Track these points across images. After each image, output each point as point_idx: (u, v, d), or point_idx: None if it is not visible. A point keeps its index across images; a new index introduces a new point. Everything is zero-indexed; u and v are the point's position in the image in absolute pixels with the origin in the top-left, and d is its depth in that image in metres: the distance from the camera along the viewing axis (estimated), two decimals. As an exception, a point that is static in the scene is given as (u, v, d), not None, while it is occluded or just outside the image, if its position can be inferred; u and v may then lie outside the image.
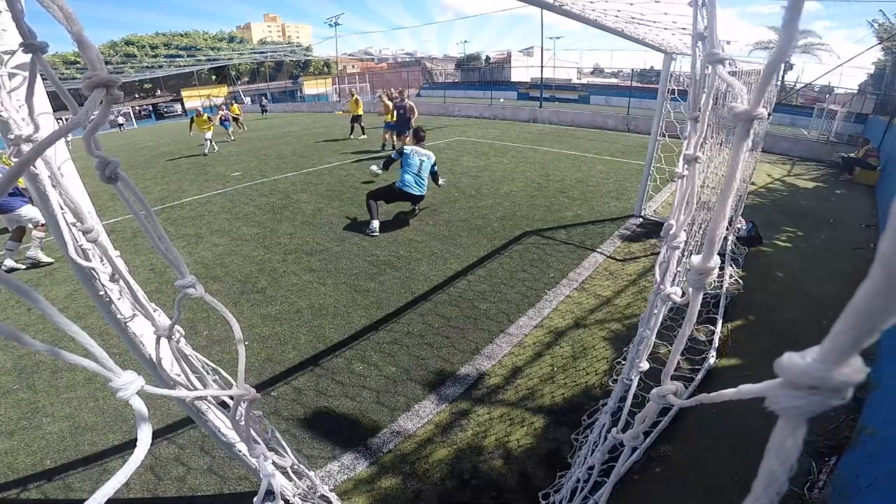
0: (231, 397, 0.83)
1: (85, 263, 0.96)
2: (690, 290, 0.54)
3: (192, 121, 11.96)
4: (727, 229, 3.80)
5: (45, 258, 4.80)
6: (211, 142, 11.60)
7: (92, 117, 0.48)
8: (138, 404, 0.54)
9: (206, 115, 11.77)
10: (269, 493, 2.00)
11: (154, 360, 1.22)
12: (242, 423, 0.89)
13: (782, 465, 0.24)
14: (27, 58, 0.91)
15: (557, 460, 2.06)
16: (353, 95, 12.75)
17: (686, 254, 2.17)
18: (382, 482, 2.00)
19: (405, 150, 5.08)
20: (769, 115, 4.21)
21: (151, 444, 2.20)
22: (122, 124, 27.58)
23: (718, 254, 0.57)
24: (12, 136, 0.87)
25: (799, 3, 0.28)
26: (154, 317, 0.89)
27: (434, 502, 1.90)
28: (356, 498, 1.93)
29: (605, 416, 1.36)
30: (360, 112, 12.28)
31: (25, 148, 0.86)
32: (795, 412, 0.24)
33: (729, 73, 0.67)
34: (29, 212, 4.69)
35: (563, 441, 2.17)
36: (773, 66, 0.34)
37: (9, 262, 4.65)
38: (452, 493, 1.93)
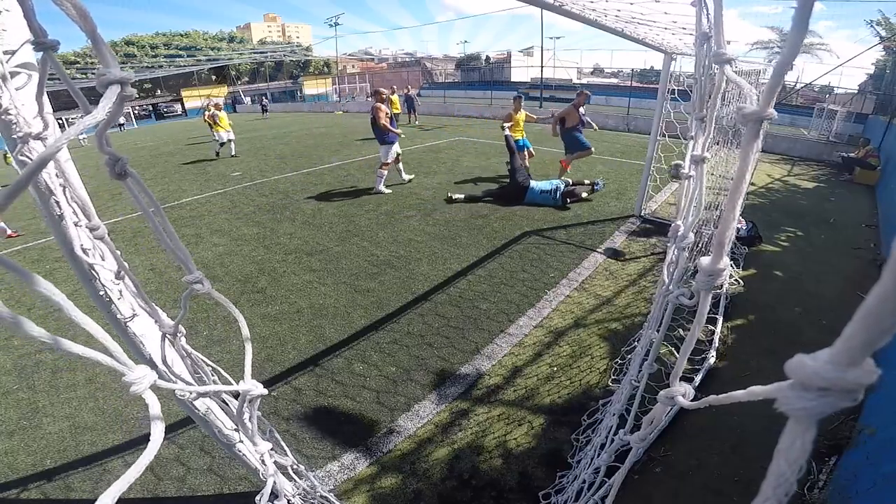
0: (238, 394, 0.83)
1: (88, 261, 0.96)
2: (699, 291, 0.53)
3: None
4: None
5: (384, 189, 6.57)
6: (225, 143, 10.50)
7: (104, 115, 0.48)
8: (151, 398, 0.54)
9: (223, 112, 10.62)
10: (272, 493, 1.99)
11: (156, 359, 1.22)
12: (248, 418, 0.89)
13: (791, 466, 0.24)
14: (29, 57, 0.91)
15: (557, 460, 2.05)
16: (394, 92, 11.80)
17: (691, 255, 2.17)
18: (382, 482, 2.00)
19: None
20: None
21: (152, 444, 2.17)
22: (122, 124, 27.55)
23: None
24: (21, 134, 0.87)
25: (809, 2, 0.28)
26: (158, 314, 0.89)
27: (434, 502, 1.90)
28: (356, 498, 1.93)
29: (612, 417, 1.36)
30: (398, 110, 11.86)
31: (34, 144, 0.85)
32: (805, 413, 0.24)
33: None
34: (393, 150, 6.43)
35: (563, 441, 2.16)
36: (783, 65, 0.34)
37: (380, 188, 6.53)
38: (452, 493, 1.93)
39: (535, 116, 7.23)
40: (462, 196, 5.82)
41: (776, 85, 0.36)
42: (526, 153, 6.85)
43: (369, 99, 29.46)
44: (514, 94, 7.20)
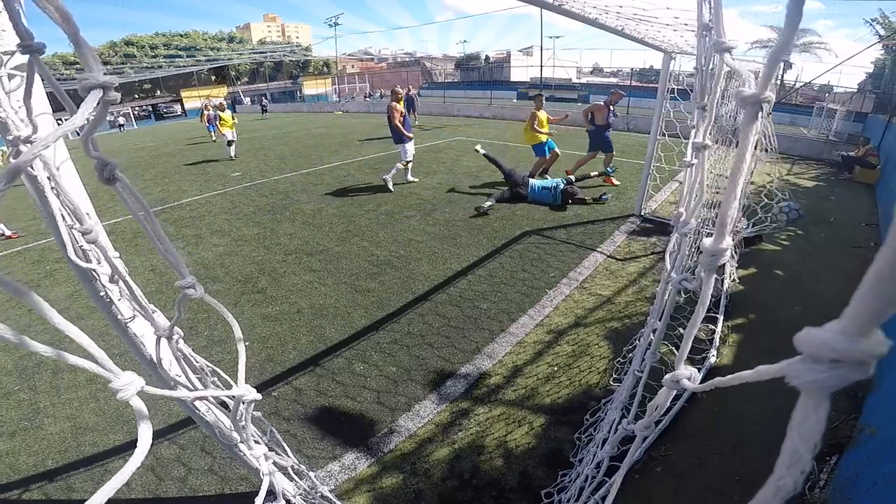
0: (232, 398, 0.83)
1: (84, 265, 0.96)
2: (702, 273, 0.54)
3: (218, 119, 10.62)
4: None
5: (391, 186, 6.62)
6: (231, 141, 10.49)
7: (89, 119, 0.47)
8: (138, 404, 0.54)
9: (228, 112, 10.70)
10: (270, 494, 1.98)
11: (156, 360, 1.22)
12: (243, 423, 0.88)
13: (806, 443, 0.24)
14: (26, 58, 0.91)
15: (559, 460, 2.05)
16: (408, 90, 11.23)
17: (693, 244, 2.17)
18: (383, 482, 2.00)
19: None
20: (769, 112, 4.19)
21: (152, 445, 2.20)
22: (122, 125, 27.58)
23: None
24: (11, 137, 0.87)
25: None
26: (153, 317, 0.89)
27: (435, 502, 1.90)
28: (357, 498, 1.93)
29: (616, 411, 1.36)
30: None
31: (24, 149, 0.86)
32: (817, 386, 0.24)
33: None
34: (410, 148, 6.66)
35: (563, 441, 2.16)
36: (779, 51, 0.34)
37: (388, 178, 6.62)
38: (453, 493, 1.93)
39: (553, 117, 7.17)
40: (489, 203, 5.56)
41: (772, 68, 0.37)
42: (551, 154, 6.76)
43: (367, 99, 29.50)
44: (535, 91, 7.12)
